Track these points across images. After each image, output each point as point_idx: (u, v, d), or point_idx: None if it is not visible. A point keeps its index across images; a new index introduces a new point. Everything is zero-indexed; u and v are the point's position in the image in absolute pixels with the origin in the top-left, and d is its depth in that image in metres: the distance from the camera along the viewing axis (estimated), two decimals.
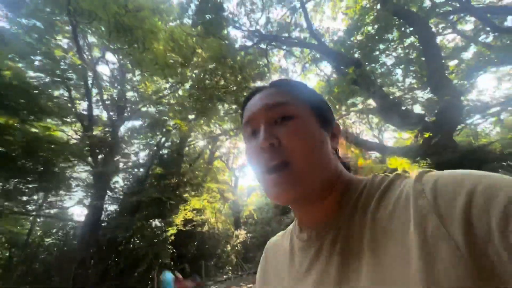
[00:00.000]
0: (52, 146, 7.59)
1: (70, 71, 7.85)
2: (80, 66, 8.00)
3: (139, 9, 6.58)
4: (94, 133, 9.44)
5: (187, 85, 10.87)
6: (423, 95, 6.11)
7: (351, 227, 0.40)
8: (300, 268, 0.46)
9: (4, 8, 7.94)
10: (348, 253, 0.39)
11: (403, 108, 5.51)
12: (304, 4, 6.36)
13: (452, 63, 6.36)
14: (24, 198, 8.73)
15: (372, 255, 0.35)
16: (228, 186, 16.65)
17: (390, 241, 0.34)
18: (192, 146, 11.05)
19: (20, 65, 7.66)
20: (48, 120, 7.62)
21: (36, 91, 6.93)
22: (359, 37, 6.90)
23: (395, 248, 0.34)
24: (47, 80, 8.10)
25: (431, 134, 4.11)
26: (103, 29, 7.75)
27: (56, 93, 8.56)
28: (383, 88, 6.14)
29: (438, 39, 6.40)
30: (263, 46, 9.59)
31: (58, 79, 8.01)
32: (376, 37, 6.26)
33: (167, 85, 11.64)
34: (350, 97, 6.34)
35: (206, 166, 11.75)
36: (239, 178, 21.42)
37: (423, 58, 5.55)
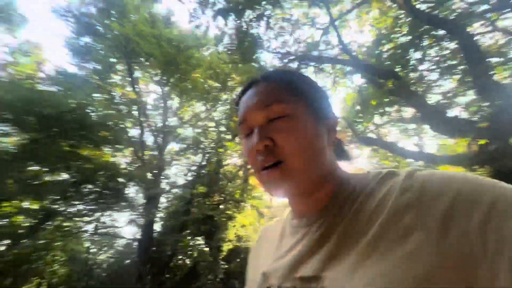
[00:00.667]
0: (111, 171, 8.56)
1: (124, 103, 8.97)
2: (132, 98, 9.10)
3: (188, 48, 7.45)
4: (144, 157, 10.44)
5: (223, 107, 11.62)
6: (467, 100, 5.92)
7: (338, 217, 0.42)
8: (284, 248, 0.48)
9: (74, 56, 9.43)
10: (331, 239, 0.40)
11: (449, 115, 5.39)
12: (334, 22, 6.67)
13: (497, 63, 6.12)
14: (86, 219, 9.76)
15: (353, 243, 0.37)
16: (263, 201, 16.79)
17: (370, 231, 0.36)
18: (229, 164, 11.53)
19: (84, 101, 8.93)
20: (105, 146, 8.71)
21: (98, 123, 8.00)
22: (389, 46, 6.99)
23: (373, 237, 0.35)
24: (105, 112, 9.31)
25: (487, 141, 4.00)
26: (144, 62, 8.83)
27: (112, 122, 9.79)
28: (424, 96, 6.07)
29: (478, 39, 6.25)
30: (292, 65, 10.02)
31: (114, 112, 9.15)
32: (409, 46, 6.33)
33: (203, 108, 12.50)
34: (389, 107, 6.36)
35: (243, 183, 12.11)
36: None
37: (465, 64, 5.46)
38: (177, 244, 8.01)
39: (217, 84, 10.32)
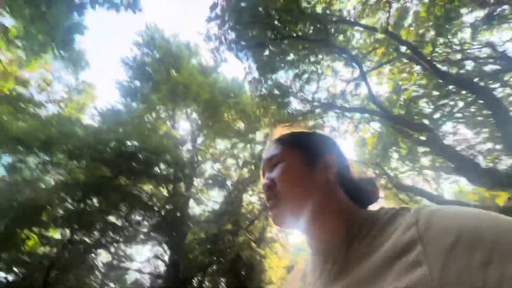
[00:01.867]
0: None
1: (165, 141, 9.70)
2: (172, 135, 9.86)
3: (236, 95, 8.39)
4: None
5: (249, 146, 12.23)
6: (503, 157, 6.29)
7: (350, 253, 0.45)
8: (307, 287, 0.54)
9: (121, 95, 10.47)
10: (343, 276, 0.43)
11: (484, 167, 5.72)
12: (366, 78, 7.48)
13: None
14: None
15: (364, 278, 0.39)
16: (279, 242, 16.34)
17: (380, 266, 0.38)
18: (254, 203, 11.68)
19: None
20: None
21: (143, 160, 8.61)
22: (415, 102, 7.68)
23: (381, 272, 0.37)
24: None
25: None
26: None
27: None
28: (455, 149, 6.48)
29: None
30: (318, 110, 10.81)
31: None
32: (437, 101, 6.98)
33: (229, 146, 13.14)
34: (421, 157, 6.76)
35: (263, 222, 12.08)
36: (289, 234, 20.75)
37: (493, 120, 5.96)
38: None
39: (247, 125, 11.07)
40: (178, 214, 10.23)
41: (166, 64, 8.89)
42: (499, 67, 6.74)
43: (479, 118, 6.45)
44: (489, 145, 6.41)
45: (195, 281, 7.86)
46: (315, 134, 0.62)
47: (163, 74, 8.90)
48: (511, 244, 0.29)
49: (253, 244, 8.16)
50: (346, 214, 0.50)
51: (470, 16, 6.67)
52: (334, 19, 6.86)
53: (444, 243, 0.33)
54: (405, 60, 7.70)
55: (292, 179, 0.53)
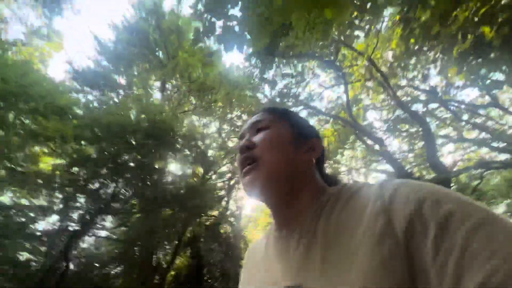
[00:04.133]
0: None
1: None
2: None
3: (242, 88, 8.82)
4: None
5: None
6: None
7: (316, 228, 0.45)
8: (268, 261, 0.52)
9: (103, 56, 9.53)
10: (310, 250, 0.43)
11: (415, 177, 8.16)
12: (347, 90, 9.06)
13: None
14: None
15: (332, 254, 0.39)
16: None
17: (344, 238, 0.39)
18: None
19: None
20: None
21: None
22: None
23: (347, 244, 0.38)
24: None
25: None
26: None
27: None
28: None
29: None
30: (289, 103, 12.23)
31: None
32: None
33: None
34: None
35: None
36: None
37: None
38: None
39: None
40: None
41: (169, 38, 8.44)
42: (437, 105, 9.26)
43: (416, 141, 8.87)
44: (419, 160, 8.94)
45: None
46: (305, 119, 0.63)
47: (163, 48, 8.49)
48: (465, 216, 0.30)
49: None
50: (318, 191, 0.51)
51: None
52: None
53: (405, 213, 0.34)
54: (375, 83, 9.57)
55: (276, 145, 0.53)
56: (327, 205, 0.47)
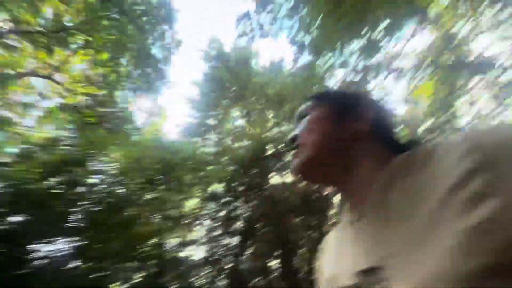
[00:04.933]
0: None
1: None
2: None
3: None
4: None
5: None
6: None
7: (386, 200, 0.40)
8: (342, 247, 0.50)
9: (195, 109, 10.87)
10: (384, 227, 0.39)
11: None
12: None
13: None
14: None
15: (408, 226, 0.34)
16: None
17: (426, 209, 0.33)
18: None
19: None
20: None
21: None
22: None
23: (430, 215, 0.32)
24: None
25: None
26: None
27: None
28: None
29: None
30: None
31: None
32: None
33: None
34: None
35: None
36: None
37: None
38: None
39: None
40: None
41: (239, 71, 9.38)
42: None
43: None
44: None
45: None
46: (347, 91, 0.63)
47: (238, 81, 9.41)
48: None
49: None
50: (380, 161, 0.46)
51: None
52: None
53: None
54: None
55: (313, 125, 0.54)
56: (396, 173, 0.42)
